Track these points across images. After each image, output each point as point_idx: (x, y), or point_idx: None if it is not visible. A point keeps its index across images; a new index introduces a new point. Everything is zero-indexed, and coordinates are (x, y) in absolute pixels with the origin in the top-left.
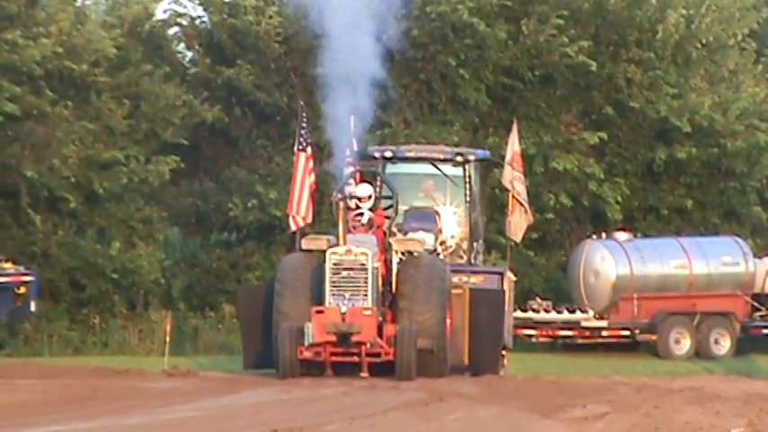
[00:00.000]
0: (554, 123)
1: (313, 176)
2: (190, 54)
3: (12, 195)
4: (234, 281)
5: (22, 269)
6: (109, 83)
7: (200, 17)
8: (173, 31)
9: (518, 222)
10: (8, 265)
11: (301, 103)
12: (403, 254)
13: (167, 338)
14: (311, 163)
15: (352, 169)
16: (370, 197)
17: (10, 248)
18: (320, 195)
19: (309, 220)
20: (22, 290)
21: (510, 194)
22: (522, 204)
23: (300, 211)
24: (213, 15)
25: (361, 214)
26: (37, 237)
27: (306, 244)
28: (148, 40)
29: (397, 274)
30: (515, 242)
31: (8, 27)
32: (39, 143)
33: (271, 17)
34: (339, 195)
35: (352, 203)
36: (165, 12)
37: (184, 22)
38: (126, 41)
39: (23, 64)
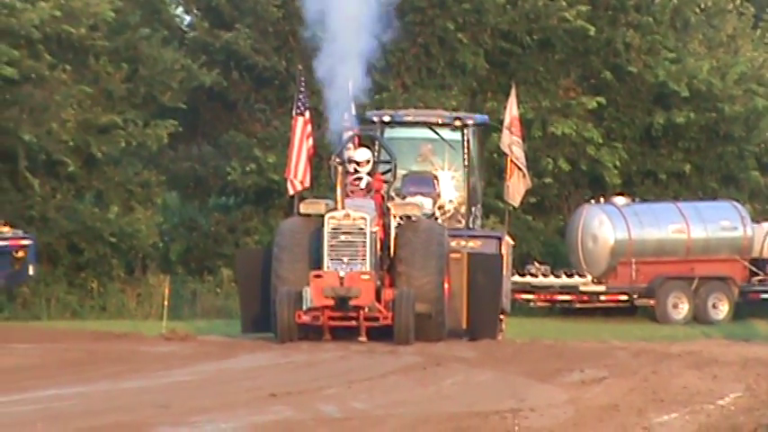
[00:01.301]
0: (552, 88)
1: (311, 141)
2: (188, 18)
3: (10, 159)
4: (232, 245)
5: (20, 233)
6: (107, 47)
7: None
8: None
9: (516, 187)
10: (6, 228)
11: (299, 67)
12: (401, 218)
13: (165, 302)
14: (309, 127)
15: (350, 133)
16: (368, 162)
17: (8, 212)
18: (318, 160)
19: (307, 184)
20: (21, 254)
21: (508, 159)
22: (520, 169)
23: (298, 175)
24: None
25: (360, 179)
26: (35, 200)
27: (304, 208)
28: (146, 3)
29: (396, 239)
30: (514, 207)
31: None
32: (37, 107)
33: None
34: (337, 160)
35: (351, 168)
36: None
37: None
38: (124, 5)
39: (21, 28)
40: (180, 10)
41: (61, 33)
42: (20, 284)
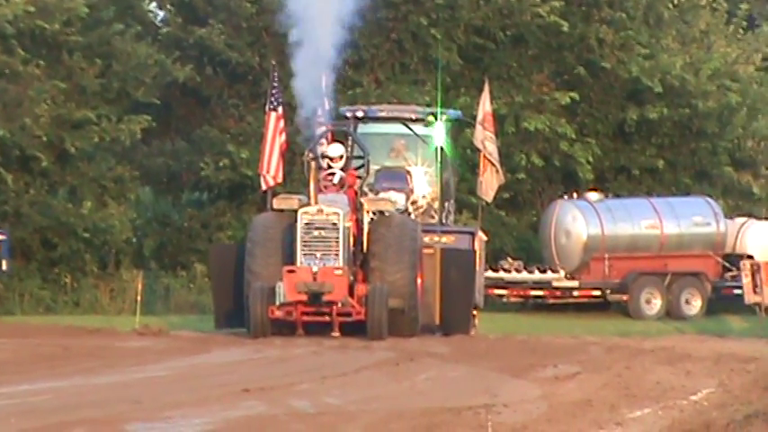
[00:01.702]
0: (525, 83)
1: (284, 136)
2: (161, 13)
3: None
4: (205, 240)
5: None
6: (81, 42)
7: None
8: None
9: (489, 182)
10: None
11: (273, 62)
12: (374, 213)
13: (138, 298)
14: (282, 123)
15: (323, 129)
16: (341, 157)
17: None
18: (291, 155)
19: (280, 179)
20: None
21: (481, 154)
22: (493, 164)
23: (271, 170)
24: None
25: (333, 174)
26: (8, 195)
27: (277, 203)
28: None
29: (369, 234)
30: (486, 202)
31: None
32: (10, 102)
33: None
34: (311, 155)
35: (324, 163)
36: None
37: None
38: (98, 1)
39: None
40: (153, 5)
41: (35, 29)
42: None
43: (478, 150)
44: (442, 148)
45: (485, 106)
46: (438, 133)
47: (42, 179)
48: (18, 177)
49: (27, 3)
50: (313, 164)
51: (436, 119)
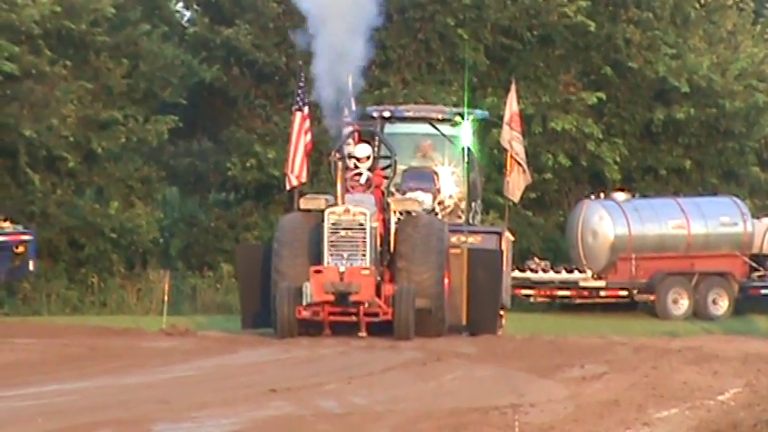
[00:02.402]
0: (552, 83)
1: (309, 136)
2: (188, 14)
3: (10, 155)
4: (232, 240)
5: (20, 228)
6: (107, 42)
7: None
8: None
9: (516, 182)
10: (7, 224)
11: (300, 62)
12: (401, 213)
13: (165, 298)
14: (308, 122)
15: (350, 129)
16: (368, 157)
17: (8, 208)
18: (318, 155)
19: (304, 179)
20: (21, 249)
21: (508, 154)
22: (520, 164)
23: (295, 170)
24: None
25: (360, 174)
26: (35, 196)
27: (304, 204)
28: None
29: (395, 234)
30: (513, 202)
31: None
32: (37, 102)
33: None
34: (337, 155)
35: (351, 163)
36: None
37: None
38: (124, 1)
39: (22, 23)
40: (180, 6)
41: (62, 29)
42: (20, 280)
43: (505, 150)
44: (468, 149)
45: (512, 106)
46: (465, 133)
47: (69, 179)
48: (45, 178)
49: (54, 3)
50: (340, 164)
51: (463, 119)
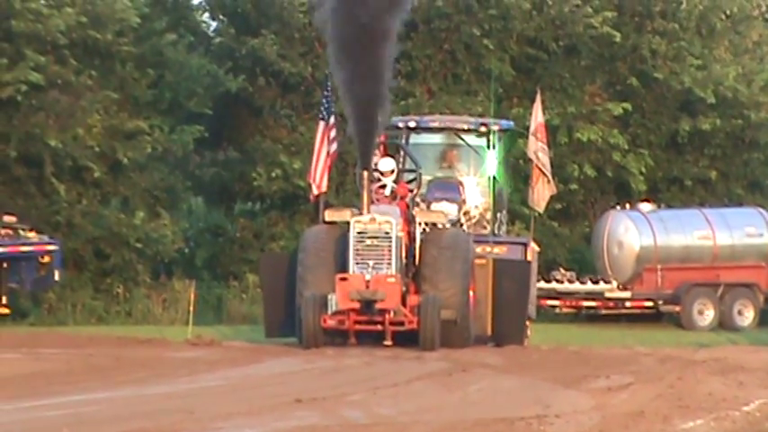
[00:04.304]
0: (578, 94)
1: (334, 145)
2: (214, 24)
3: (36, 165)
4: (257, 251)
5: (46, 238)
6: (133, 52)
7: None
8: (197, 0)
9: (541, 193)
10: (32, 234)
11: (327, 72)
12: (426, 225)
13: (191, 308)
14: (334, 131)
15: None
16: (392, 171)
17: (34, 218)
18: (344, 165)
19: (324, 188)
20: (47, 259)
21: (534, 165)
22: (545, 175)
23: (316, 179)
24: None
25: (384, 186)
26: (61, 206)
27: (329, 216)
28: (173, 9)
29: (421, 246)
30: (538, 212)
31: None
32: (63, 112)
33: None
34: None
35: (375, 176)
36: None
37: None
38: (150, 11)
39: (48, 33)
40: (206, 16)
41: (87, 39)
42: (46, 290)
43: (530, 161)
44: (494, 177)
45: (537, 117)
46: (491, 163)
47: (95, 189)
48: (70, 188)
49: (79, 13)
50: (365, 174)
51: (488, 129)
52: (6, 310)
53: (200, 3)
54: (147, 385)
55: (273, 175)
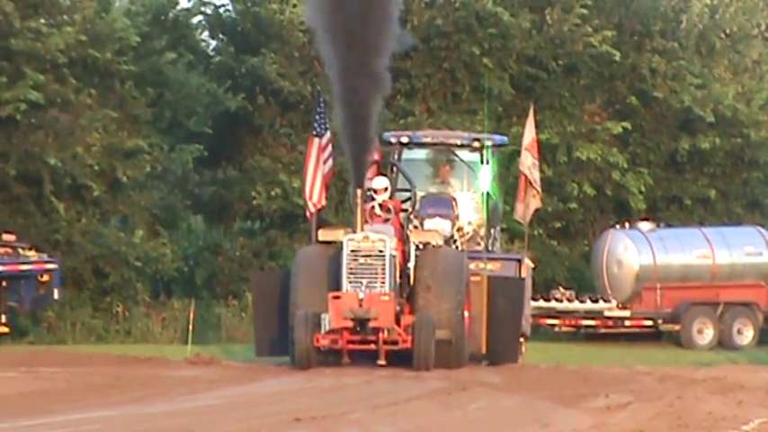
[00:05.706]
0: (577, 113)
1: (330, 162)
2: (214, 43)
3: (35, 183)
4: (257, 269)
5: (45, 257)
6: (132, 71)
7: (224, 6)
8: (197, 19)
9: (529, 206)
10: (31, 252)
11: (318, 88)
12: (421, 245)
13: (190, 327)
14: (330, 148)
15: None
16: (386, 189)
17: (33, 236)
18: (344, 183)
19: (322, 203)
20: (46, 278)
21: (524, 179)
22: (534, 188)
23: (314, 196)
24: (237, 4)
25: (378, 205)
26: (60, 225)
27: (322, 235)
28: (172, 28)
29: (415, 266)
30: (521, 224)
31: (32, 15)
32: (62, 131)
33: (295, 6)
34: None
35: (368, 195)
36: (189, 0)
37: (208, 11)
38: (150, 30)
39: (47, 52)
40: (206, 35)
41: (87, 58)
42: (45, 308)
43: (523, 174)
44: (488, 193)
45: (530, 132)
46: (484, 179)
47: (94, 208)
48: (70, 206)
49: (79, 32)
50: (359, 192)
51: (481, 144)
52: (6, 329)
53: (200, 21)
54: (146, 404)
55: (273, 193)
